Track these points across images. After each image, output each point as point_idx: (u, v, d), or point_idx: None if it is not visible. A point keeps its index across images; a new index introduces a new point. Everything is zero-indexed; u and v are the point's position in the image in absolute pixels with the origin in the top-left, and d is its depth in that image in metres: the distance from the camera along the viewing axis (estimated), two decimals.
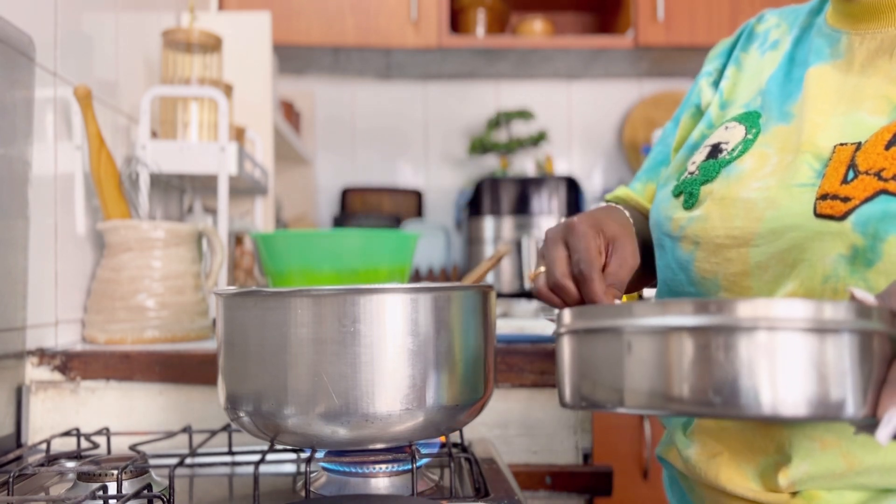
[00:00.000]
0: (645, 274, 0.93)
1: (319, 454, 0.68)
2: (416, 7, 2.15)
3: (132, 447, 0.78)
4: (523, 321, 1.28)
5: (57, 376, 0.95)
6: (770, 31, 0.80)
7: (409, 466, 0.66)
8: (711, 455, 0.69)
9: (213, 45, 1.28)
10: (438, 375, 0.63)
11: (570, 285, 0.64)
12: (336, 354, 0.61)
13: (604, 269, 0.66)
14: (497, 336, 0.98)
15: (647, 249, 0.92)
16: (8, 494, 0.65)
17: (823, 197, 0.61)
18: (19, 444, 0.93)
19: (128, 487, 0.66)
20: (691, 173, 0.73)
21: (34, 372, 0.95)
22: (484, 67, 2.44)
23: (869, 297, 0.47)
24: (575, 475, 0.95)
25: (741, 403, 0.43)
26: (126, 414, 0.96)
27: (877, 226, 0.58)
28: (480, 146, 2.41)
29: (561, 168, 2.58)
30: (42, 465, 0.75)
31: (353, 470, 0.67)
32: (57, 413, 0.95)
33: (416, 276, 2.30)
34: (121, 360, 0.96)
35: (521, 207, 2.21)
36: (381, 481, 0.67)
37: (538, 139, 2.41)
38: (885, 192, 0.58)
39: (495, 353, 0.71)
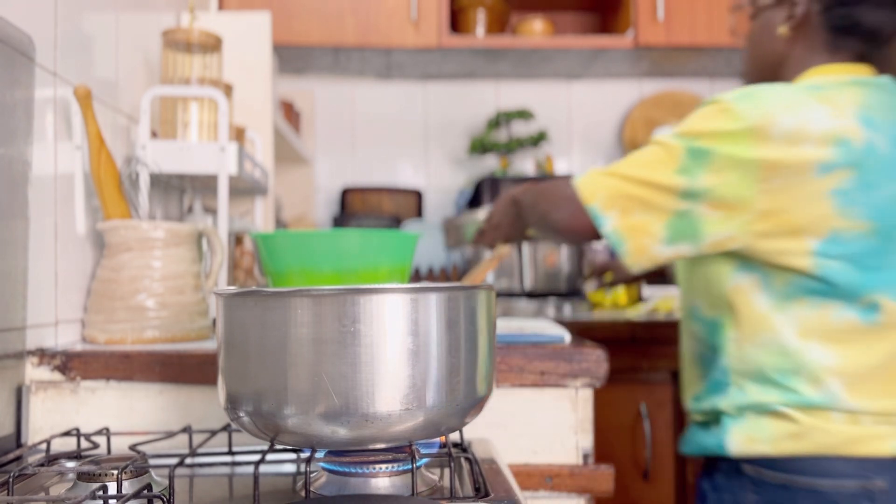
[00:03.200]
0: None
1: (319, 454, 0.68)
2: (416, 7, 2.15)
3: (132, 447, 0.78)
4: (523, 321, 1.28)
5: (57, 376, 0.95)
6: None
7: (409, 466, 0.66)
8: None
9: (213, 45, 1.28)
10: (438, 375, 0.63)
11: None
12: (336, 354, 0.61)
13: None
14: (497, 336, 0.98)
15: None
16: (8, 494, 0.65)
17: None
18: (19, 444, 0.93)
19: (128, 487, 0.66)
20: None
21: (34, 372, 0.95)
22: (484, 67, 2.44)
23: None
24: (575, 475, 0.95)
25: None
26: (126, 414, 0.96)
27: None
28: (480, 146, 2.41)
29: (561, 168, 2.58)
30: (42, 465, 0.75)
31: (353, 470, 0.67)
32: (57, 413, 0.95)
33: (416, 276, 2.30)
34: (121, 360, 0.96)
35: None
36: (381, 481, 0.67)
37: (538, 139, 2.41)
38: None
39: (495, 353, 0.71)
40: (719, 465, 1.07)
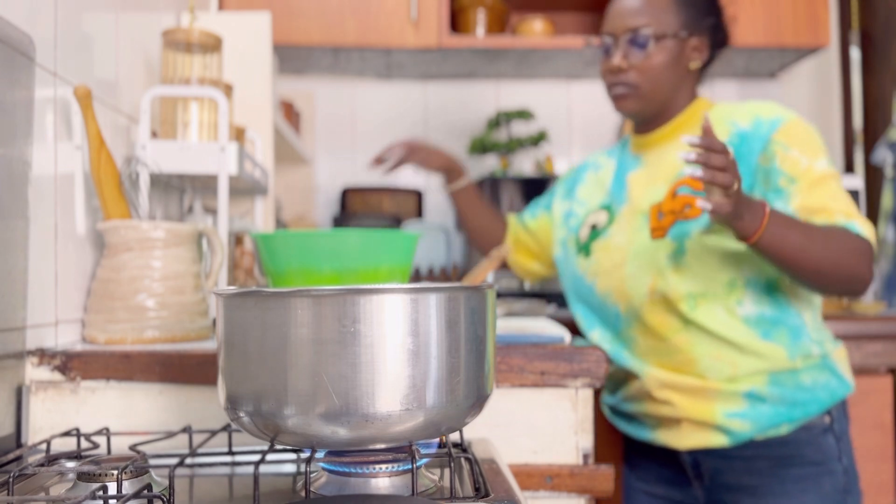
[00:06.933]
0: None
1: (319, 454, 0.68)
2: (416, 7, 2.15)
3: (132, 447, 0.78)
4: (523, 321, 1.28)
5: (57, 376, 0.95)
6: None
7: (409, 466, 0.66)
8: None
9: (213, 45, 1.28)
10: (438, 375, 0.63)
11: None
12: (336, 354, 0.61)
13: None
14: (497, 336, 0.98)
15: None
16: (8, 494, 0.65)
17: (652, 230, 1.13)
18: (19, 444, 0.93)
19: (128, 487, 0.66)
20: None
21: (34, 372, 0.95)
22: (484, 67, 2.44)
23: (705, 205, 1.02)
24: (575, 475, 0.95)
25: None
26: (126, 414, 0.96)
27: (681, 236, 1.24)
28: (480, 146, 2.41)
29: (561, 168, 2.58)
30: (42, 465, 0.75)
31: (353, 470, 0.67)
32: (57, 413, 0.95)
33: (417, 276, 2.30)
34: (121, 360, 0.96)
35: (521, 207, 2.21)
36: (381, 481, 0.67)
37: (538, 139, 2.41)
38: (678, 220, 1.12)
39: (495, 353, 0.71)
40: (832, 414, 1.26)
